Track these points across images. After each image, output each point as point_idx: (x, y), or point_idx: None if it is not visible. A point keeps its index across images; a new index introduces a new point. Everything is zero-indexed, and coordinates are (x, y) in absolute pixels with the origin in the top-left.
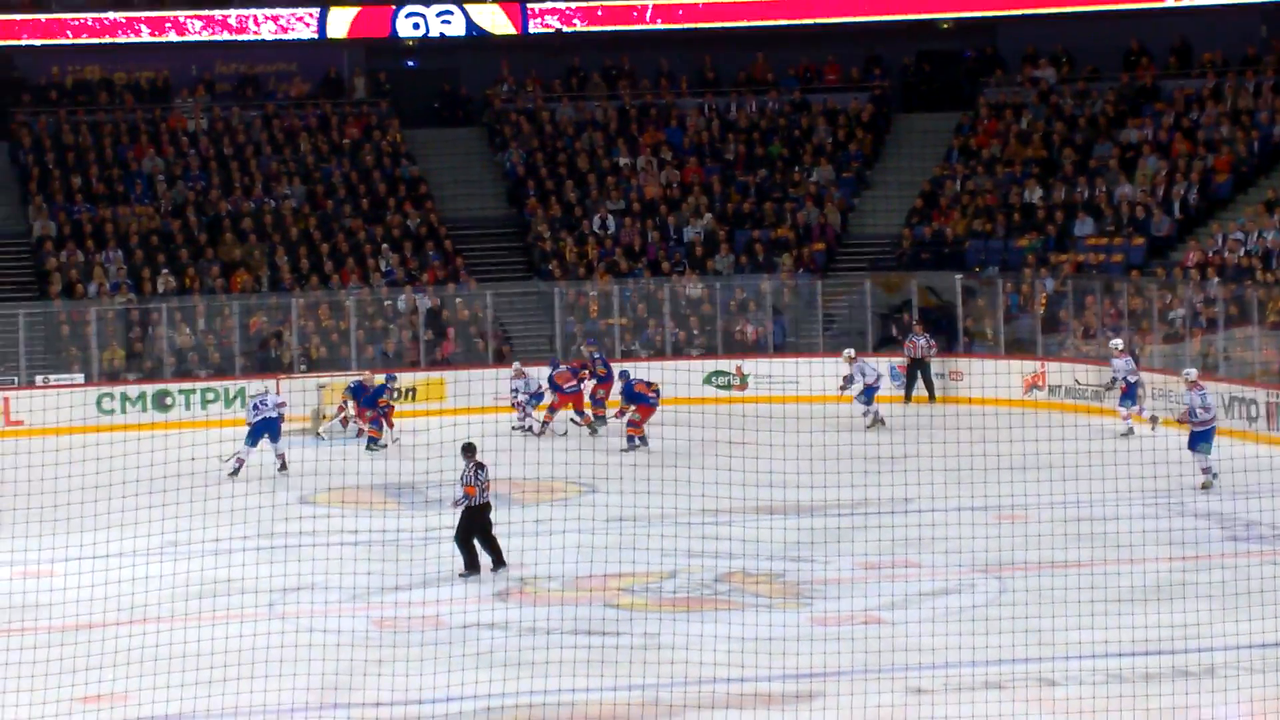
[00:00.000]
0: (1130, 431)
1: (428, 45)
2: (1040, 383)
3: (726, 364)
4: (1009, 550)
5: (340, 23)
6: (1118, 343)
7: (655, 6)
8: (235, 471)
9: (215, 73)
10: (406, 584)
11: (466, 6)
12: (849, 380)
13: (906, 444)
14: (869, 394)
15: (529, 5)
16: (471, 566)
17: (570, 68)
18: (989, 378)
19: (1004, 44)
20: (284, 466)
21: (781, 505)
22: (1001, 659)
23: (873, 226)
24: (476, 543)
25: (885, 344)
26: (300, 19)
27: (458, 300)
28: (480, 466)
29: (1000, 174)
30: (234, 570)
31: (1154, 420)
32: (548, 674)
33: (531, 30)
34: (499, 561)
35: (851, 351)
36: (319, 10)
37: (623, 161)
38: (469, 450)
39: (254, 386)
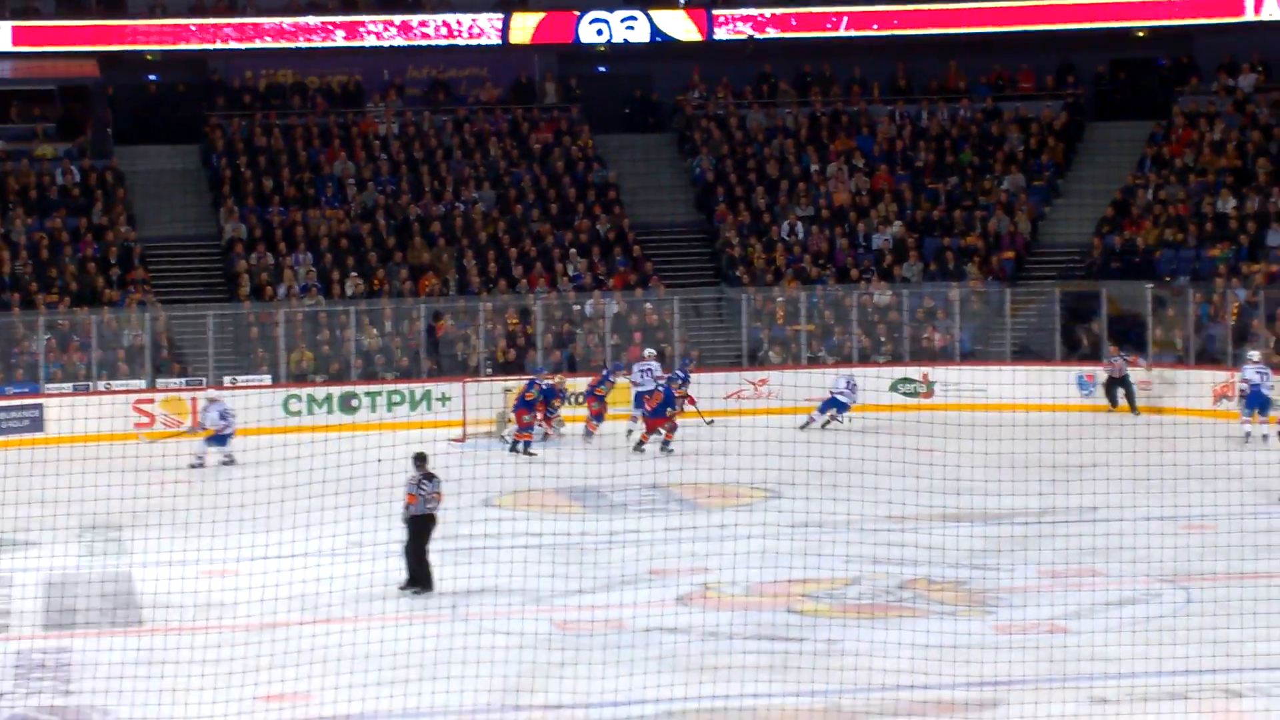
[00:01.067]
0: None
1: (618, 51)
2: (1230, 393)
3: (913, 371)
4: (1195, 560)
5: (524, 28)
6: (1254, 354)
7: (849, 14)
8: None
9: (406, 77)
10: (589, 587)
11: (652, 13)
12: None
13: (1094, 453)
14: (833, 405)
15: (714, 12)
16: (417, 583)
17: (761, 74)
18: (1179, 387)
19: (1200, 52)
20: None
21: (966, 513)
22: (1186, 670)
23: (1063, 235)
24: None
25: (1074, 352)
26: (485, 25)
27: (646, 306)
28: (428, 477)
29: (1193, 183)
30: None
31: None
32: (729, 679)
33: (718, 36)
34: (416, 582)
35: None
36: (503, 16)
37: (813, 168)
38: (419, 460)
39: (439, 389)
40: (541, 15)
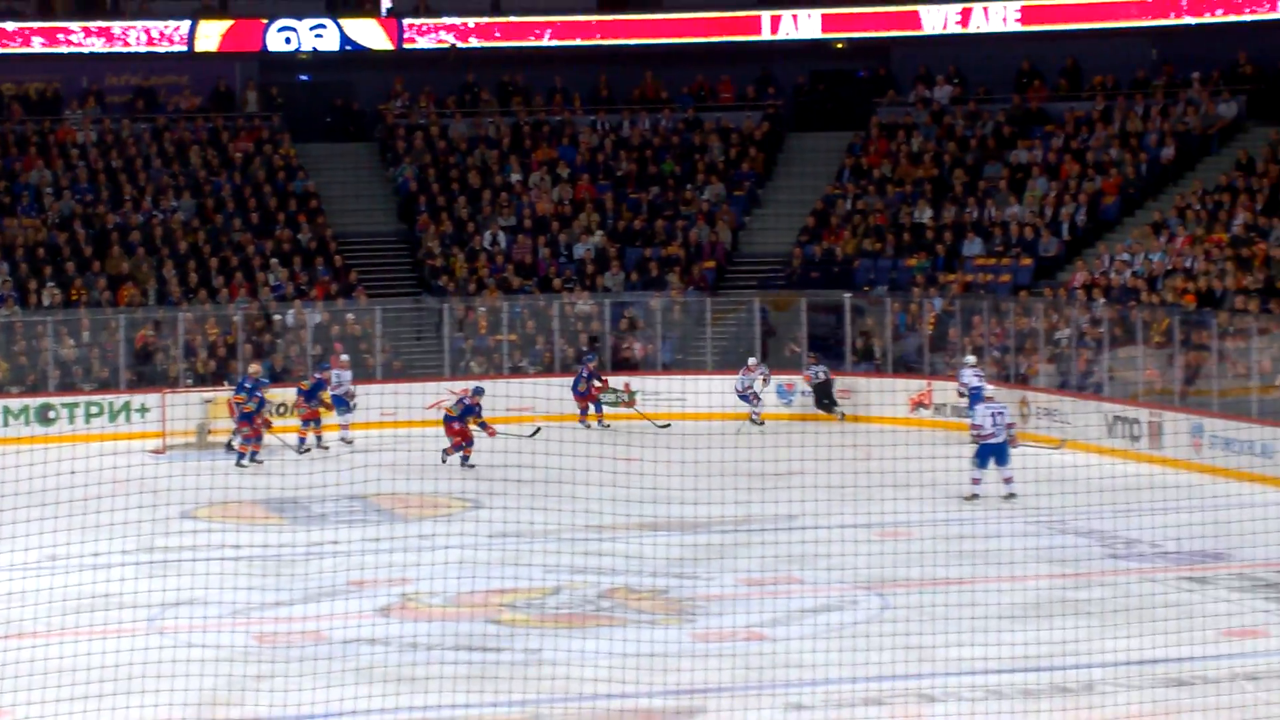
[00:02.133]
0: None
1: (320, 60)
2: (926, 401)
3: (615, 380)
4: (891, 567)
5: (211, 36)
6: (970, 358)
7: (551, 24)
8: None
9: (106, 84)
10: (288, 599)
11: (342, 21)
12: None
13: (791, 461)
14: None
15: (415, 21)
16: None
17: (464, 84)
18: (875, 395)
19: (897, 64)
20: None
21: (666, 522)
22: (881, 675)
23: (763, 245)
24: None
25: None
26: (170, 32)
27: (348, 316)
28: None
29: (891, 194)
30: (114, 585)
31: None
32: (429, 690)
33: (418, 45)
34: None
35: (752, 360)
36: (189, 23)
37: (515, 178)
38: None
39: (139, 401)
40: (229, 23)
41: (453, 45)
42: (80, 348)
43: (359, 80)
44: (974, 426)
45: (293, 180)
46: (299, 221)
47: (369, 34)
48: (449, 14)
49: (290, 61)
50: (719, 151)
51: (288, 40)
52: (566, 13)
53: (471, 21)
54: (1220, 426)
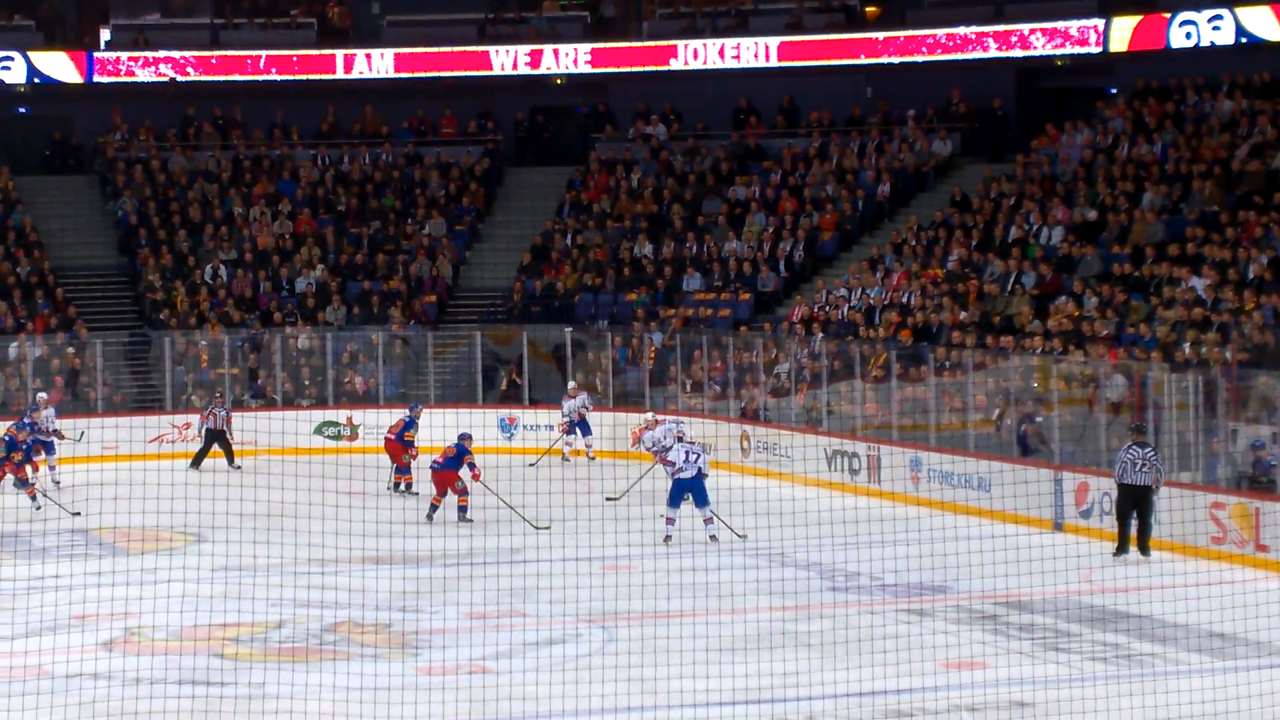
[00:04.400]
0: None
1: (39, 92)
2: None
3: (337, 414)
4: (614, 600)
5: None
6: (572, 383)
7: (268, 57)
8: None
9: None
10: (9, 634)
11: (30, 54)
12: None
13: (519, 495)
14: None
15: (95, 55)
16: None
17: (184, 117)
18: (599, 429)
19: (615, 100)
20: None
21: (389, 555)
22: (606, 708)
23: (484, 279)
24: None
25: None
26: None
27: (68, 350)
28: None
29: (610, 229)
30: None
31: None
32: None
33: (96, 79)
34: None
35: (572, 384)
36: None
37: (236, 211)
38: None
39: None
40: None
41: (172, 79)
42: None
43: (78, 113)
44: (667, 463)
45: (11, 213)
46: (18, 255)
47: (59, 67)
48: (168, 47)
49: (8, 93)
50: (439, 186)
51: None
52: (285, 47)
53: (192, 54)
54: (938, 460)
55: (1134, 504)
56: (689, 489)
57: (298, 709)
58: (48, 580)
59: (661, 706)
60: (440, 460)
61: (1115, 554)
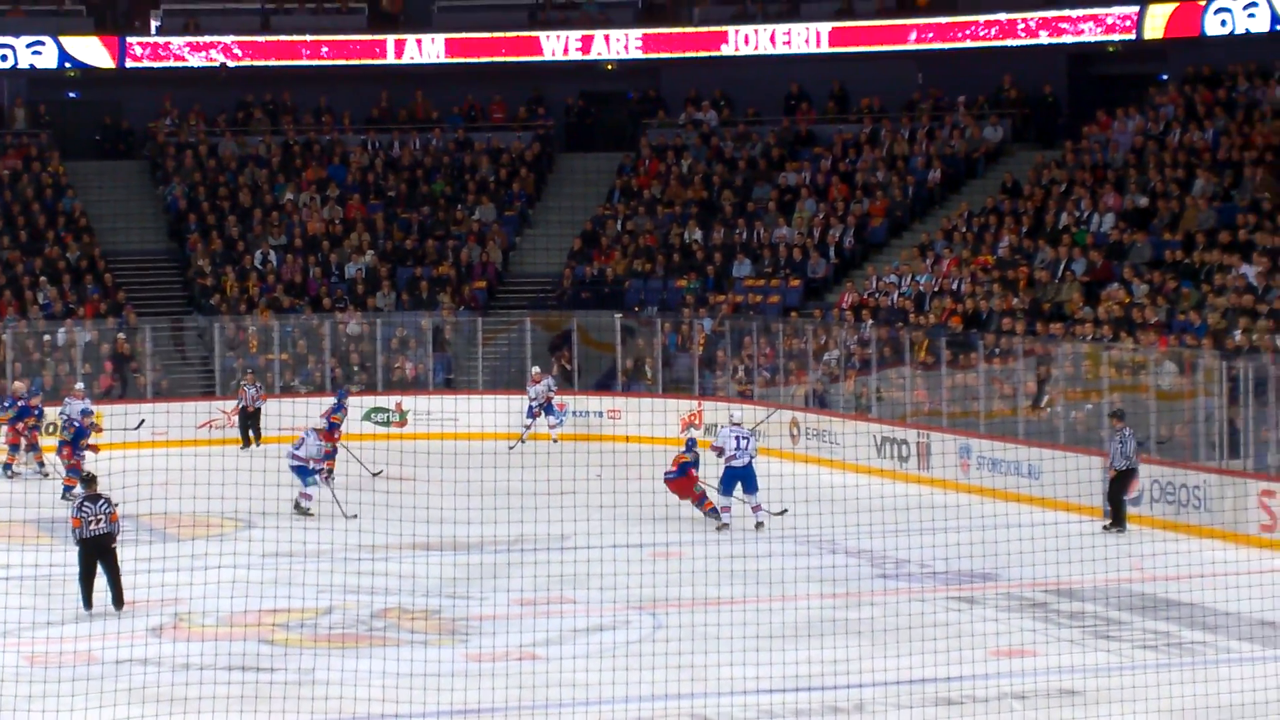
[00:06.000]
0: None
1: (90, 77)
2: (697, 421)
3: (386, 400)
4: (663, 587)
5: None
6: (536, 369)
7: (319, 42)
8: None
9: None
10: (59, 619)
11: (62, 39)
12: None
13: (565, 481)
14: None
15: (129, 40)
16: (87, 603)
17: (234, 102)
18: (646, 416)
19: (666, 86)
20: None
21: (439, 541)
22: (655, 695)
23: (534, 265)
24: (108, 579)
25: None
26: None
27: (118, 335)
28: (92, 499)
29: (661, 215)
30: None
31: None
32: (201, 710)
33: (129, 65)
34: (117, 599)
35: (536, 369)
36: None
37: (286, 197)
38: (86, 481)
39: None
40: None
41: (223, 64)
42: None
43: (128, 98)
44: (715, 449)
45: (61, 198)
46: (67, 240)
47: (90, 51)
48: (219, 31)
49: (59, 78)
50: (489, 171)
51: (3, 58)
52: (336, 32)
53: (244, 39)
54: (987, 447)
55: (1123, 486)
56: (740, 477)
57: (346, 695)
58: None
59: (711, 694)
60: (673, 469)
61: (1119, 529)
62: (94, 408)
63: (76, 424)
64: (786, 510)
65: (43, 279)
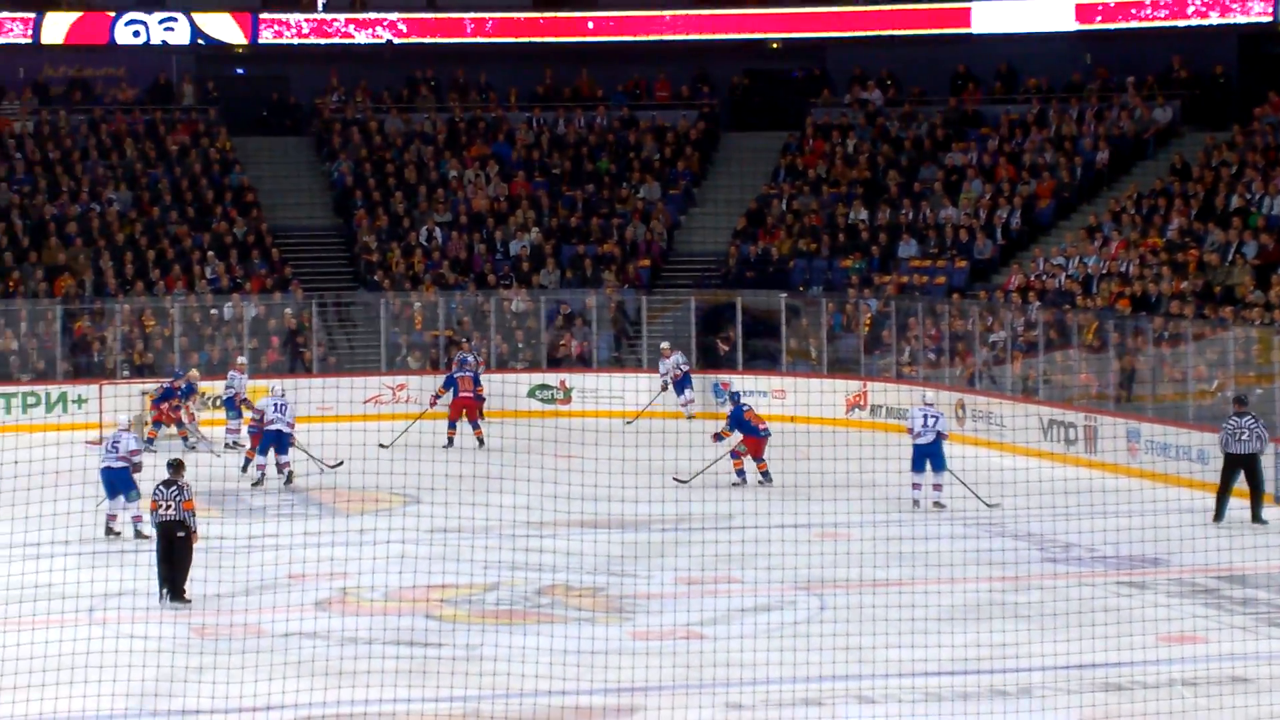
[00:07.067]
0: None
1: (257, 52)
2: (862, 402)
3: (551, 378)
4: (829, 568)
5: (57, 28)
6: (666, 344)
7: (486, 20)
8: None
9: (44, 76)
10: (227, 591)
11: (194, 15)
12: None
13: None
14: (682, 385)
15: (260, 15)
16: (161, 590)
17: (401, 78)
18: (812, 396)
19: (832, 65)
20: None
21: (604, 519)
22: (820, 675)
23: (699, 244)
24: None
25: (714, 362)
26: (14, 23)
27: (286, 310)
28: (169, 484)
29: (826, 194)
30: (53, 575)
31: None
32: (367, 684)
33: (261, 40)
34: (172, 591)
35: (665, 345)
36: (35, 15)
37: (451, 174)
38: (171, 467)
39: (76, 391)
40: (77, 15)
41: (389, 40)
42: (18, 338)
43: (295, 74)
44: (909, 429)
45: (229, 173)
46: (234, 215)
47: (222, 28)
48: (385, 9)
49: (227, 54)
50: (654, 150)
51: (136, 34)
52: (503, 9)
53: (408, 16)
54: (1157, 431)
55: (1239, 472)
56: (928, 454)
57: (511, 671)
58: (264, 539)
59: (877, 675)
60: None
61: (1215, 520)
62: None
63: (243, 398)
64: (999, 504)
65: (210, 254)
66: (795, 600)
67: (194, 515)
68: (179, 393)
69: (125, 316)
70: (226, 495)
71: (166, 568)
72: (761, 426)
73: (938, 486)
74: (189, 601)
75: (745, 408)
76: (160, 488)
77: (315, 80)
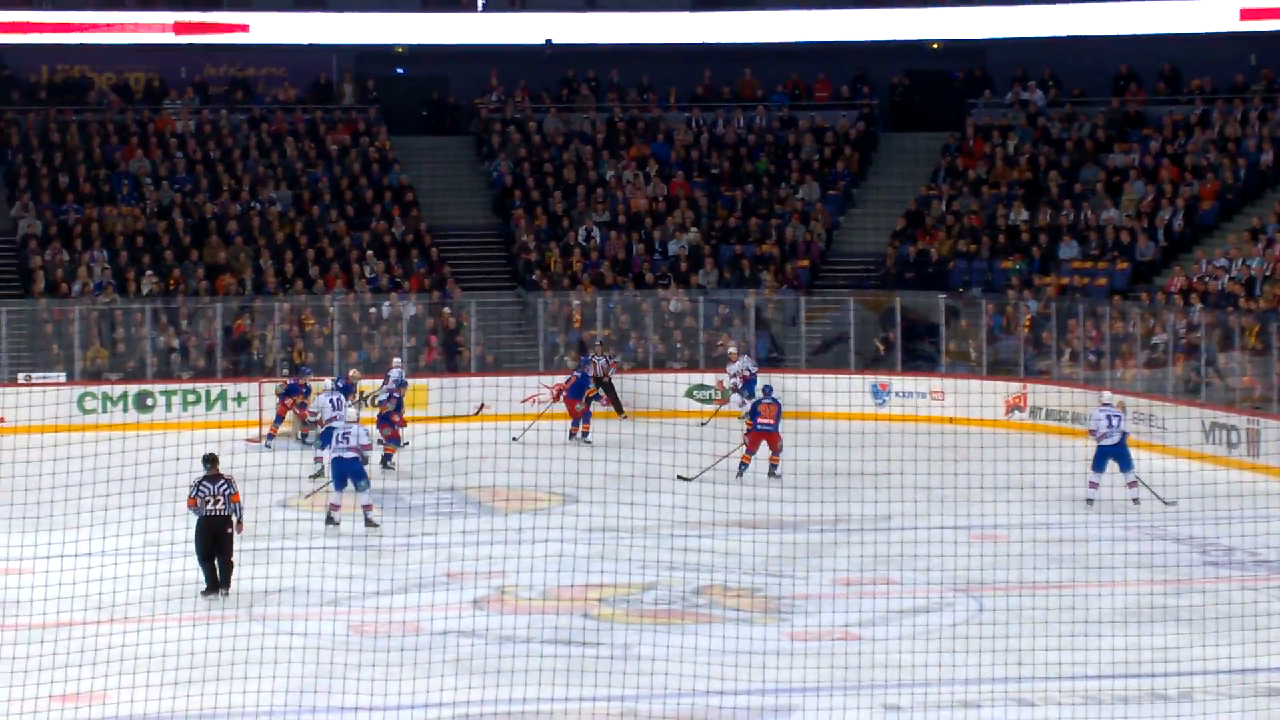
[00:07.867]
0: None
1: (418, 52)
2: (1022, 404)
3: (708, 378)
4: (987, 570)
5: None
6: (732, 348)
7: (645, 20)
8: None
9: (205, 75)
10: (384, 589)
11: (354, 15)
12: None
13: (888, 461)
14: (749, 387)
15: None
16: (208, 585)
17: (559, 79)
18: (971, 397)
19: (993, 66)
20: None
21: (761, 520)
22: (978, 678)
23: (858, 244)
24: (217, 560)
25: (873, 363)
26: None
27: (444, 309)
28: (211, 479)
29: (986, 195)
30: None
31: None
32: (524, 682)
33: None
34: (214, 583)
35: (733, 349)
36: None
37: (609, 174)
38: (206, 461)
39: (235, 389)
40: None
41: (548, 40)
42: (179, 336)
43: (454, 73)
44: (1090, 430)
45: (388, 173)
46: (394, 214)
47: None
48: (544, 9)
49: (387, 54)
50: (813, 150)
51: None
52: (659, 9)
53: (569, 15)
54: None
55: None
56: (1112, 454)
57: (669, 670)
58: (422, 537)
59: (1035, 678)
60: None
61: None
62: (408, 380)
63: (397, 396)
64: (1176, 502)
65: (369, 252)
66: (953, 602)
67: (241, 508)
68: (303, 390)
69: (285, 315)
70: (384, 494)
71: (211, 564)
72: (763, 421)
73: (1131, 484)
74: (226, 594)
75: (763, 401)
76: (205, 483)
77: (474, 80)
